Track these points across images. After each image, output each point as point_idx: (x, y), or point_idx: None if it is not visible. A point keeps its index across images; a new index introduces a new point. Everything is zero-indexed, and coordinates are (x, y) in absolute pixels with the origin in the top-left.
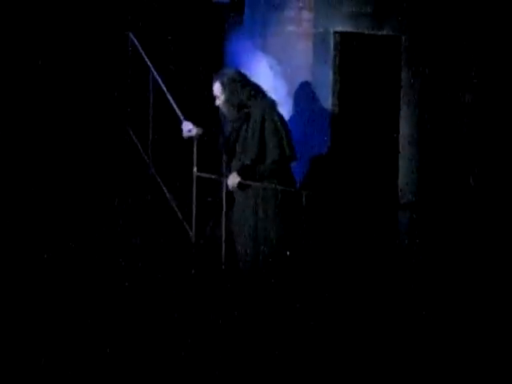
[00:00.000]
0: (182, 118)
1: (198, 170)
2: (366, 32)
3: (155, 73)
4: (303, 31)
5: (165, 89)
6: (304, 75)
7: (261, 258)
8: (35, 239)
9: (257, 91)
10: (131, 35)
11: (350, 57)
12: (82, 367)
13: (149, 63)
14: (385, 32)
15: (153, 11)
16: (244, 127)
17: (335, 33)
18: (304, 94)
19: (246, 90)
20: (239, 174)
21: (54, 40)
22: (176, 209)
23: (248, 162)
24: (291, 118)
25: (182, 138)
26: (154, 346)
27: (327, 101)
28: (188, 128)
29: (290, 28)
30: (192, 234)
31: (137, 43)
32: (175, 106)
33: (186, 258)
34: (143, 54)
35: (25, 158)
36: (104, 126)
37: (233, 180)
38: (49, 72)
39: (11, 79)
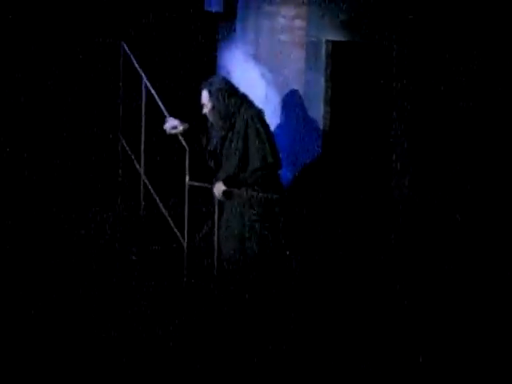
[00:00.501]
0: (166, 114)
1: (190, 179)
2: (358, 41)
3: (147, 82)
4: (295, 40)
5: (157, 97)
6: (296, 84)
7: (246, 262)
8: (27, 248)
9: (243, 100)
10: (123, 44)
11: (342, 65)
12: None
13: (141, 72)
14: (376, 41)
15: (145, 20)
16: (229, 136)
17: (327, 41)
18: (296, 102)
19: (233, 99)
20: (225, 182)
21: (47, 49)
22: (168, 217)
23: (231, 170)
24: (283, 126)
25: (174, 146)
26: (148, 351)
27: (319, 109)
28: (173, 124)
29: (282, 37)
30: (184, 242)
31: (129, 52)
32: (163, 107)
33: (179, 265)
34: (135, 64)
35: (15, 165)
36: (96, 135)
37: (218, 188)
38: (41, 81)
39: (2, 87)
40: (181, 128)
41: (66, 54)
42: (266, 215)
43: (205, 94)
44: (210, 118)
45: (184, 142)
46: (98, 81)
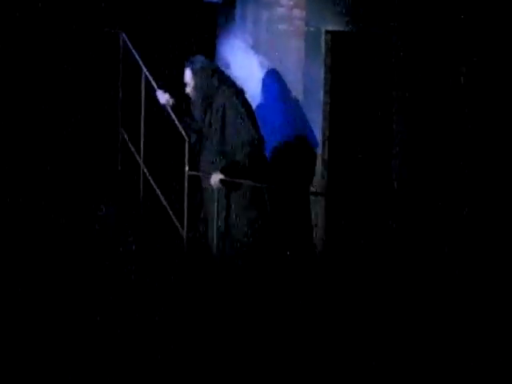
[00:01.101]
0: (155, 86)
1: (189, 169)
2: (358, 31)
3: (147, 72)
4: (295, 30)
5: (156, 87)
6: (295, 73)
7: (233, 248)
8: (27, 240)
9: (224, 80)
10: (123, 35)
11: (342, 55)
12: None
13: (140, 63)
14: (376, 31)
15: (144, 11)
16: (208, 115)
17: (327, 32)
18: (295, 91)
19: (214, 78)
20: (222, 171)
21: (46, 40)
22: (167, 207)
23: (213, 149)
24: (282, 115)
25: (174, 136)
26: (147, 339)
27: (318, 98)
28: (165, 97)
29: (282, 26)
30: (184, 231)
31: (128, 43)
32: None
33: (178, 255)
34: (135, 54)
35: (15, 157)
36: (96, 126)
37: (215, 178)
38: (40, 72)
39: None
40: (171, 100)
41: (66, 45)
42: (256, 202)
43: (188, 73)
44: (192, 97)
45: (184, 133)
46: (98, 72)
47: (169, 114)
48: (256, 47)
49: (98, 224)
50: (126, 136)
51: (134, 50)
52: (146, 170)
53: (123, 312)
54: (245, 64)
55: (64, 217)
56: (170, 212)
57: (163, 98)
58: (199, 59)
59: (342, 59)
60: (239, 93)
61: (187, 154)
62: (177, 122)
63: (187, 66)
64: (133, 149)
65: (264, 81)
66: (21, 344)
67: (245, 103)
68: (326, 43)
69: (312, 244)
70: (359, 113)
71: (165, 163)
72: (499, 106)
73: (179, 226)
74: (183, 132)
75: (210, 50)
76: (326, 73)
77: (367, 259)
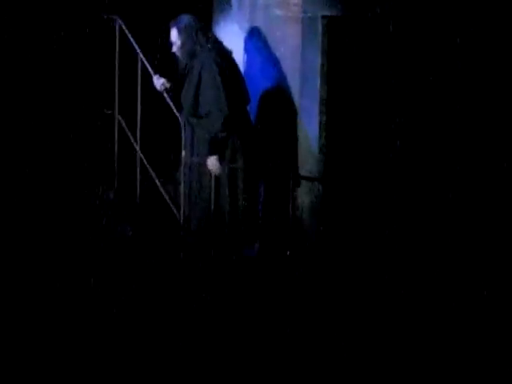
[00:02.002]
0: (152, 72)
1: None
2: (355, 15)
3: (143, 57)
4: (291, 15)
5: (152, 72)
6: (292, 59)
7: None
8: (23, 227)
9: (209, 40)
10: (118, 20)
11: (339, 41)
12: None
13: (137, 48)
14: (373, 15)
15: None
16: (188, 76)
17: (323, 17)
18: (292, 77)
19: (200, 38)
20: (211, 153)
21: (41, 25)
22: (164, 193)
23: (186, 113)
24: (279, 101)
25: (170, 121)
26: (145, 327)
27: (315, 85)
28: (161, 81)
29: (278, 12)
30: (180, 217)
31: (124, 28)
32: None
33: (174, 240)
34: (131, 39)
35: (10, 144)
36: (92, 111)
37: (212, 163)
38: (35, 58)
39: None
40: (168, 85)
41: (61, 30)
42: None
43: (173, 33)
44: (180, 57)
45: (193, 121)
46: (93, 56)
47: (165, 98)
48: (253, 32)
49: (96, 210)
50: (121, 120)
51: (129, 35)
52: (142, 157)
53: (121, 298)
54: (242, 50)
55: (62, 204)
56: (167, 197)
57: (159, 82)
58: (184, 18)
59: (339, 44)
60: (222, 56)
61: (184, 138)
62: (173, 106)
63: (173, 26)
64: (130, 135)
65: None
66: (15, 330)
67: (223, 70)
68: (323, 28)
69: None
70: (356, 97)
71: (161, 148)
72: (498, 93)
73: (176, 212)
74: (179, 116)
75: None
76: (322, 57)
77: (365, 248)
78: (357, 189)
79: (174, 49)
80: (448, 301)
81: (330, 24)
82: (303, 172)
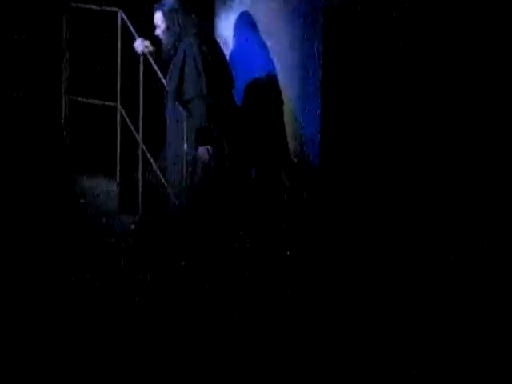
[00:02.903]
0: (136, 35)
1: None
2: (358, 6)
3: (155, 64)
4: (293, 6)
5: (154, 65)
6: (294, 50)
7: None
8: (23, 218)
9: (194, 24)
10: (121, 13)
11: (341, 32)
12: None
13: (147, 55)
14: (376, 6)
15: None
16: (173, 60)
17: (326, 8)
18: (294, 68)
19: (185, 21)
20: (200, 144)
21: (44, 17)
22: (166, 184)
23: (170, 96)
24: (267, 86)
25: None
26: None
27: (317, 76)
28: (144, 44)
29: (280, 3)
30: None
31: (127, 20)
32: (160, 75)
33: (174, 229)
34: (133, 32)
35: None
36: (94, 104)
37: (202, 152)
38: (38, 49)
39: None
40: (151, 48)
41: (64, 23)
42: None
43: (158, 15)
44: (164, 40)
45: (182, 110)
46: (96, 50)
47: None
48: (254, 25)
49: (95, 200)
50: (123, 112)
51: (131, 28)
52: (145, 149)
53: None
54: (243, 42)
55: (62, 193)
56: (169, 189)
57: (142, 44)
58: (170, 1)
59: (342, 35)
60: (207, 41)
61: (185, 130)
62: (160, 74)
63: (157, 9)
64: (131, 126)
65: (235, 25)
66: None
67: (206, 56)
68: (326, 19)
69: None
70: (359, 88)
71: (163, 140)
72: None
73: (176, 201)
74: (181, 109)
75: (209, 27)
76: (324, 48)
77: (364, 242)
78: (356, 179)
79: (158, 32)
80: (447, 295)
81: (331, 15)
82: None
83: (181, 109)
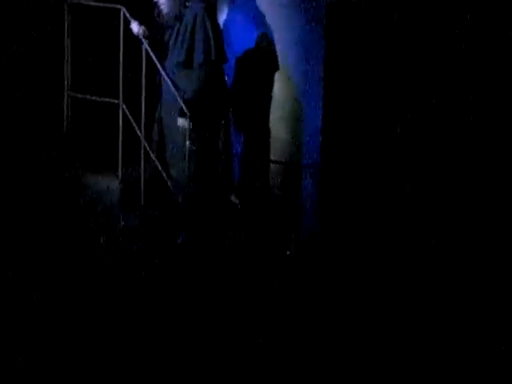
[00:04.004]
0: (130, 18)
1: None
2: (360, 2)
3: (148, 47)
4: (296, 2)
5: (157, 62)
6: (297, 46)
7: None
8: (26, 217)
9: None
10: (123, 10)
11: (344, 28)
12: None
13: (141, 37)
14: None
15: None
16: (177, 26)
17: (328, 5)
18: (297, 64)
19: None
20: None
21: (45, 14)
22: (168, 181)
23: (175, 60)
24: (284, 88)
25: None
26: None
27: (319, 71)
28: (140, 27)
29: (283, 0)
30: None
31: (129, 17)
32: (162, 72)
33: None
34: (128, 16)
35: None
36: (96, 100)
37: (182, 122)
38: (40, 46)
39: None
40: (146, 32)
41: (66, 20)
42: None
43: None
44: (165, 7)
45: (185, 108)
46: (98, 46)
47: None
48: (258, 21)
49: (98, 198)
50: (126, 109)
51: (127, 15)
52: (146, 145)
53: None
54: (246, 38)
55: (65, 190)
56: (171, 186)
57: (137, 27)
58: None
59: (344, 31)
60: (209, 8)
61: (188, 128)
62: (152, 54)
63: None
64: (134, 124)
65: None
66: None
67: (213, 20)
68: (327, 16)
69: None
70: (361, 85)
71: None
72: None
73: (180, 200)
74: (184, 108)
75: None
76: (327, 45)
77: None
78: (356, 176)
79: (161, 1)
80: (447, 294)
81: (334, 12)
82: (305, 160)
83: (182, 72)
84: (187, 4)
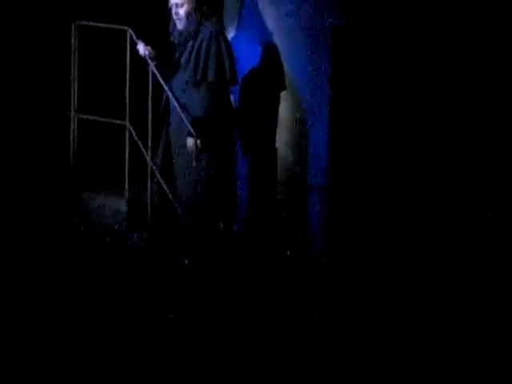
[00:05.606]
0: (135, 39)
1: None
2: (367, 25)
3: (154, 68)
4: (302, 25)
5: (163, 83)
6: (303, 68)
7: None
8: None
9: (213, 11)
10: (130, 31)
11: (350, 51)
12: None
13: (148, 60)
14: (384, 25)
15: (152, 7)
16: (190, 43)
17: (334, 27)
18: (303, 87)
19: (206, 7)
20: (189, 134)
21: (54, 35)
22: (174, 203)
23: (183, 79)
24: (290, 110)
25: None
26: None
27: (326, 95)
28: (146, 48)
29: (289, 22)
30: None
31: (136, 39)
32: (169, 93)
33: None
34: (134, 37)
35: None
36: (102, 121)
37: (189, 143)
38: (47, 67)
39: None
40: (153, 53)
41: (73, 41)
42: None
43: None
44: (181, 23)
45: (191, 128)
46: (105, 67)
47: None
48: (263, 43)
49: (104, 217)
50: (132, 130)
51: (134, 35)
52: (154, 168)
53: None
54: (251, 60)
55: (70, 209)
56: (178, 209)
57: (143, 48)
58: None
59: (350, 54)
60: (224, 29)
61: (194, 148)
62: (157, 73)
63: None
64: (140, 144)
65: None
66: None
67: (227, 42)
68: (334, 38)
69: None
70: (366, 108)
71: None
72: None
73: (184, 220)
74: (190, 127)
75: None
76: (333, 67)
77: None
78: (363, 195)
79: (179, 10)
80: (451, 302)
81: (340, 35)
82: (311, 179)
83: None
84: (204, 23)
